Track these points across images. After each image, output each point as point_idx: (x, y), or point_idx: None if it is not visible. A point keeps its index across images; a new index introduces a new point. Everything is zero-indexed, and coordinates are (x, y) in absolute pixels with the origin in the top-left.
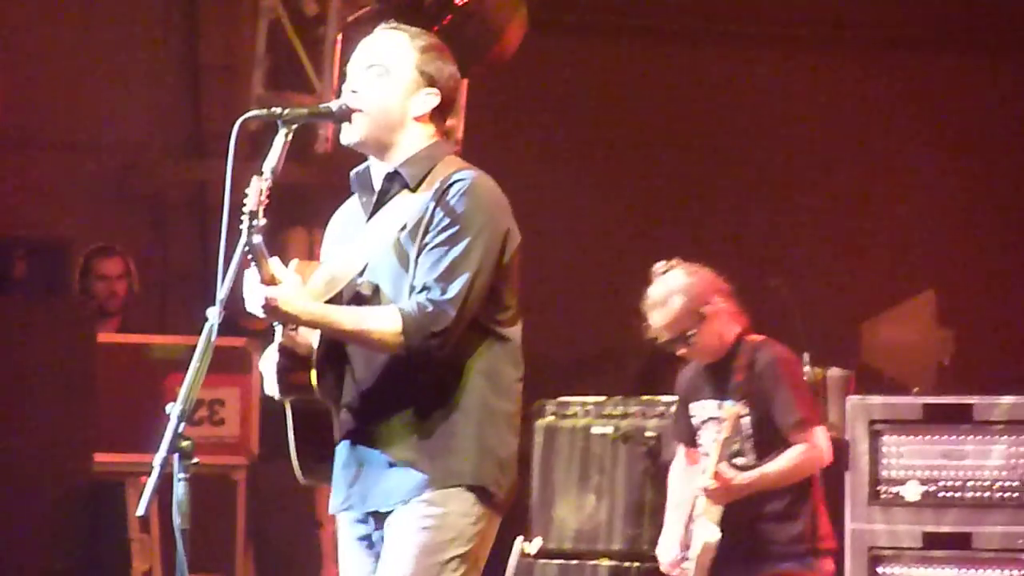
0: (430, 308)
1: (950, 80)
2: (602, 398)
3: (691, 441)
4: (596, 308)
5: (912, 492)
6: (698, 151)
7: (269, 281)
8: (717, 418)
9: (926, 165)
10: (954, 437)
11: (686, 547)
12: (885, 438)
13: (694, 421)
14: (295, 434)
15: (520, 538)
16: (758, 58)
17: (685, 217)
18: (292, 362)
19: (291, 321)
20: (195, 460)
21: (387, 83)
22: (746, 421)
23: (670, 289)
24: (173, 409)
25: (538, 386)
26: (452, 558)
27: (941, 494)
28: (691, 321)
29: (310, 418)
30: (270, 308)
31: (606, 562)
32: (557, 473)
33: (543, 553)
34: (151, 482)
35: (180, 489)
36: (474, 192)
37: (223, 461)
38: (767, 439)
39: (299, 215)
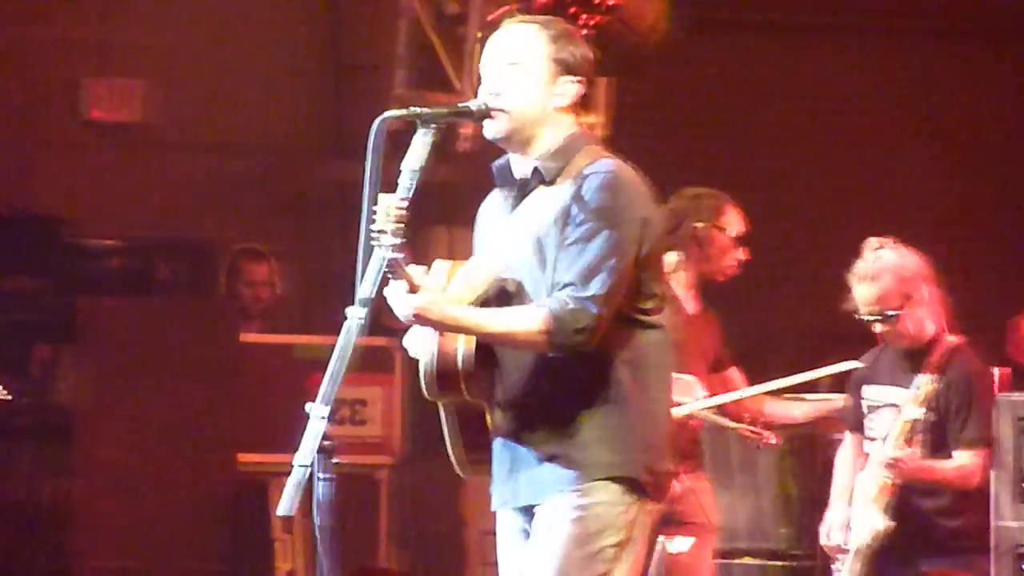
0: (572, 305)
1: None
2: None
3: (858, 426)
4: (741, 301)
5: None
6: (835, 145)
7: (413, 290)
8: (895, 405)
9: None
10: None
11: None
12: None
13: (865, 405)
14: (450, 429)
15: (662, 537)
16: (890, 55)
17: (826, 213)
18: (441, 367)
19: (437, 328)
20: (336, 460)
21: (526, 81)
22: (928, 418)
23: (883, 265)
24: (313, 409)
25: None
26: (604, 547)
27: None
28: (896, 301)
29: (464, 412)
30: (416, 317)
31: (751, 560)
32: None
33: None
34: (292, 482)
35: (321, 489)
36: (610, 184)
37: (366, 461)
38: (938, 440)
39: (439, 214)
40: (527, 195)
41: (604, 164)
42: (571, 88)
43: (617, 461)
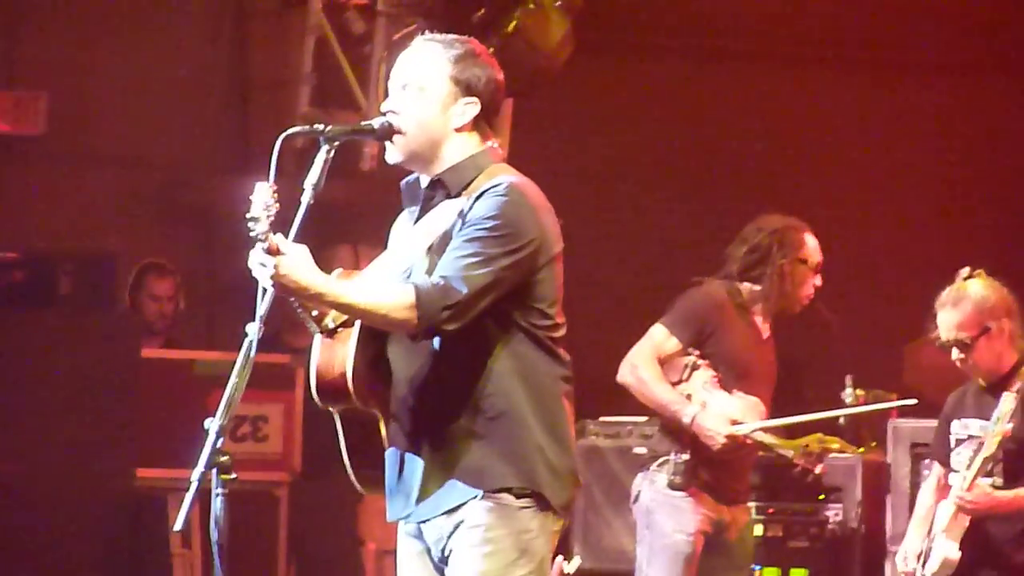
0: (442, 283)
1: (999, 105)
2: (643, 418)
3: (945, 460)
4: (638, 327)
5: None
6: (742, 172)
7: (275, 252)
8: (978, 437)
9: (970, 190)
10: None
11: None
12: (926, 461)
13: (953, 439)
14: (347, 443)
15: (560, 558)
16: (797, 78)
17: (729, 238)
18: (329, 373)
19: (299, 291)
20: (233, 475)
21: (423, 100)
22: (1007, 447)
23: (965, 294)
24: (211, 424)
25: (580, 406)
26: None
27: None
28: (974, 331)
29: (360, 426)
30: (277, 281)
31: None
32: (599, 493)
33: (583, 573)
34: (188, 497)
35: (217, 505)
36: (506, 195)
37: (266, 478)
38: (1020, 467)
39: (344, 233)
40: (431, 208)
41: (505, 179)
42: (471, 109)
43: (513, 472)
